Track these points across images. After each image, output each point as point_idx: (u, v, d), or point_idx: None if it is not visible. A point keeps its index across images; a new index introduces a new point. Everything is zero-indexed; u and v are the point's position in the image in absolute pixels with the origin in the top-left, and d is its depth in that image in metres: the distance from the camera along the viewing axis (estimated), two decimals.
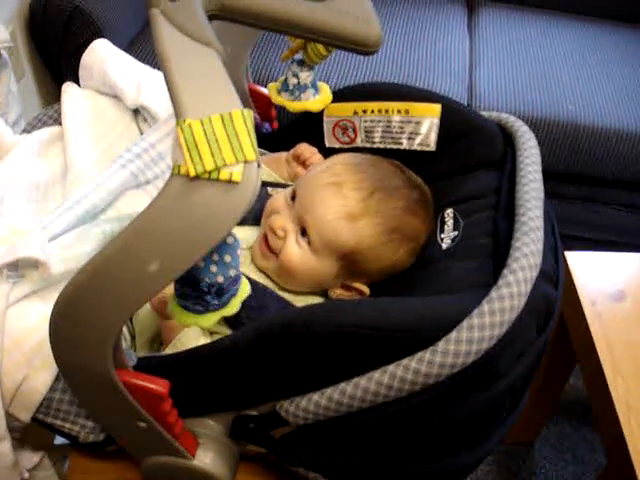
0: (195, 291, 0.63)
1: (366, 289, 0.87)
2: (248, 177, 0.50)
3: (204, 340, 0.79)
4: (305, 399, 0.68)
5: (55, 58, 1.78)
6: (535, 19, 2.19)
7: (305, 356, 0.66)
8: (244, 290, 0.67)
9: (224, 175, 0.50)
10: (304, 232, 0.84)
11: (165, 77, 0.54)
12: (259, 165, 0.51)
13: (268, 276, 0.88)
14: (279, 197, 0.89)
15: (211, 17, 0.61)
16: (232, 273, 0.62)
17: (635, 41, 2.13)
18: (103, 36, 1.04)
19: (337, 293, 0.88)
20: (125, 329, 0.87)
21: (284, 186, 0.95)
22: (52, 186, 0.91)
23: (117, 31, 1.74)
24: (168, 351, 0.79)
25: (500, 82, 1.86)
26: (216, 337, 0.79)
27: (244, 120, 0.51)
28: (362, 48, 0.63)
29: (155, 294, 0.57)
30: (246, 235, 0.91)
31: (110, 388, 0.64)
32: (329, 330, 0.63)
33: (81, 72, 1.01)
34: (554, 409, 1.56)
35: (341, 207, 0.82)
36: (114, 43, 1.04)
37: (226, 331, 0.79)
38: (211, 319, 0.66)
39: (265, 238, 0.87)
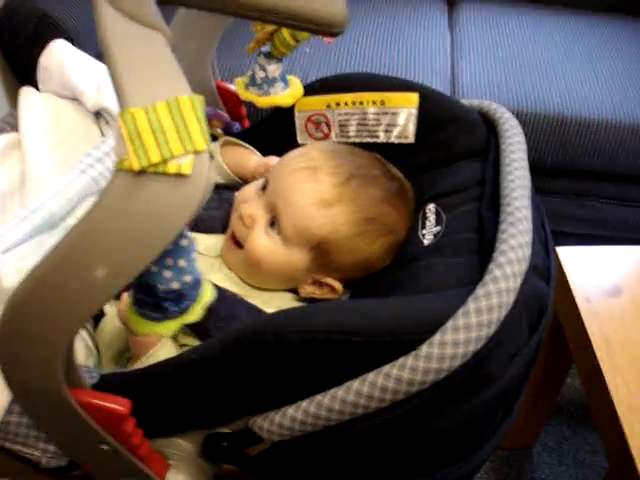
0: (152, 297, 0.59)
1: (339, 285, 0.82)
2: (199, 169, 0.46)
3: None
4: (279, 414, 0.63)
5: (25, 67, 1.73)
6: (517, 12, 2.15)
7: (276, 367, 0.61)
8: (206, 296, 0.63)
9: (172, 168, 0.45)
10: (273, 224, 0.80)
11: (107, 64, 0.50)
12: (212, 156, 0.47)
13: (237, 283, 0.83)
14: (249, 187, 0.86)
15: (160, 2, 0.56)
16: (188, 279, 0.58)
17: (620, 31, 2.09)
18: (73, 44, 0.98)
19: (307, 290, 0.83)
20: (91, 343, 0.82)
21: None
22: (10, 196, 0.87)
23: (88, 39, 1.69)
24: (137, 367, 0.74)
25: (483, 76, 1.82)
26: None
27: (193, 106, 0.46)
28: (327, 29, 0.58)
29: (104, 302, 0.52)
30: (213, 243, 0.86)
31: (64, 408, 0.60)
32: (300, 337, 0.59)
33: (39, 75, 0.96)
34: (552, 412, 1.51)
35: (315, 192, 0.78)
36: (85, 51, 0.99)
37: (197, 344, 0.74)
38: (170, 327, 0.62)
39: (233, 232, 0.83)
